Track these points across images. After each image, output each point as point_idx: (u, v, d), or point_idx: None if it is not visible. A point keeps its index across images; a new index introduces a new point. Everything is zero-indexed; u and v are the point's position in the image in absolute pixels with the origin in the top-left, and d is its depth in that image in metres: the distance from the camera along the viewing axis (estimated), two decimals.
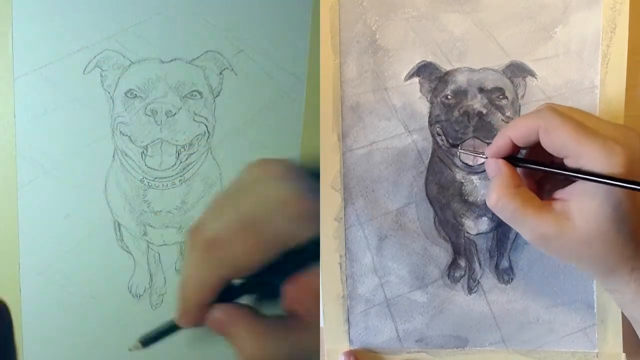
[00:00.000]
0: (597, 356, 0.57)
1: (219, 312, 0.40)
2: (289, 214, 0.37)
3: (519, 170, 0.48)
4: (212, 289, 0.39)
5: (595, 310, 0.57)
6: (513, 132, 0.47)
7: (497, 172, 0.48)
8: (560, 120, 0.44)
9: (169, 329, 0.45)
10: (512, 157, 0.48)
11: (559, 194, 0.47)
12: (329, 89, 0.56)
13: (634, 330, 0.50)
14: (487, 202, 0.48)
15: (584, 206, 0.44)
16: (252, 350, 0.39)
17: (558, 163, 0.46)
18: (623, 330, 0.56)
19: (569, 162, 0.44)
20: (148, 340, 0.48)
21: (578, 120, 0.44)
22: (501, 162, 0.48)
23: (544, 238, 0.46)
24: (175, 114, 0.58)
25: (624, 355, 0.56)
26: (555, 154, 0.45)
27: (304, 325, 0.40)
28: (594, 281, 0.56)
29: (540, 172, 0.48)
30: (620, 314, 0.56)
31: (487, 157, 0.49)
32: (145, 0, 0.57)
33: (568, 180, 0.46)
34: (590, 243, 0.44)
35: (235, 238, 0.37)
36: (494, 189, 0.47)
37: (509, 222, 0.47)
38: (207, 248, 0.37)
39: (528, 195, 0.47)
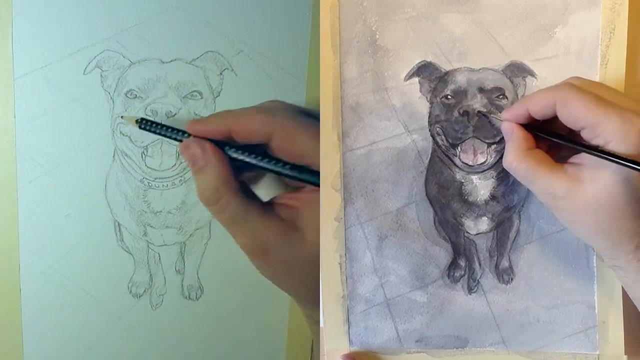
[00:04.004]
0: (598, 358, 0.57)
1: (197, 148, 0.45)
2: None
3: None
4: (249, 136, 0.46)
5: (596, 311, 0.56)
6: (531, 104, 0.48)
7: (511, 135, 0.50)
8: (577, 93, 0.45)
9: (172, 130, 0.48)
10: (528, 125, 0.50)
11: (574, 158, 0.48)
12: (329, 89, 0.56)
13: (636, 331, 0.50)
14: (503, 163, 0.50)
15: (596, 173, 0.45)
16: (209, 190, 0.45)
17: (574, 134, 0.47)
18: (625, 332, 0.56)
19: (585, 134, 0.45)
20: (146, 125, 0.50)
21: (596, 94, 0.45)
22: (515, 125, 0.50)
23: (554, 198, 0.47)
24: (175, 114, 0.58)
25: (625, 357, 0.56)
26: (572, 126, 0.46)
27: (290, 222, 0.44)
28: (595, 282, 0.56)
29: (554, 142, 0.50)
30: (622, 315, 0.56)
31: (501, 120, 0.51)
32: (145, 0, 0.57)
33: None
34: (597, 210, 0.45)
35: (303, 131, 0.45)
36: (509, 150, 0.49)
37: (523, 181, 0.49)
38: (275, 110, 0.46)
39: (541, 157, 0.48)
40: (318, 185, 0.45)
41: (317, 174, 0.45)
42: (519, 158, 0.48)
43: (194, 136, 0.47)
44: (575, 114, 0.45)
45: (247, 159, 0.46)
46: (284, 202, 0.46)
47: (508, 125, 0.50)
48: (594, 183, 0.45)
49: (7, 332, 0.58)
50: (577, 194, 0.46)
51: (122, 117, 0.55)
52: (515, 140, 0.49)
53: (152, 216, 0.60)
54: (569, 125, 0.46)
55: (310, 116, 0.47)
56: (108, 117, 0.58)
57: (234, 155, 0.46)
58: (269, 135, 0.45)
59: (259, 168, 0.46)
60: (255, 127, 0.46)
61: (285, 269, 0.45)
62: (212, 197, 0.44)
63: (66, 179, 0.58)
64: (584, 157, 0.47)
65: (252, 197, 0.46)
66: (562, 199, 0.47)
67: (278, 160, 0.46)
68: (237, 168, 0.47)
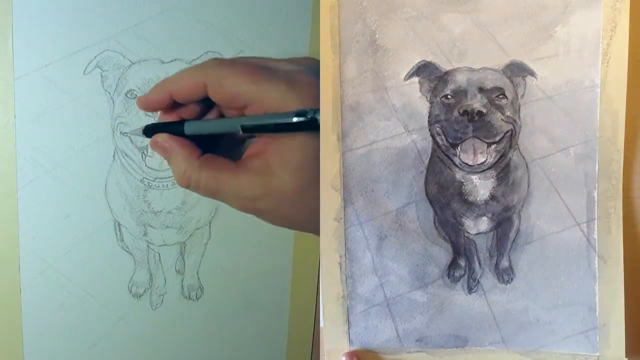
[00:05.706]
0: (598, 359, 0.56)
1: (161, 139, 0.43)
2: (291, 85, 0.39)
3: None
4: (188, 94, 0.42)
5: (597, 313, 0.56)
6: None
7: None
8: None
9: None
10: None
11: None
12: (329, 88, 0.56)
13: (637, 332, 0.50)
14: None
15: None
16: (180, 174, 0.42)
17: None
18: (626, 334, 0.55)
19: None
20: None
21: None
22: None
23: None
24: None
25: (626, 359, 0.56)
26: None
27: (263, 169, 0.40)
28: (597, 283, 0.56)
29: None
30: (624, 317, 0.55)
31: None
32: (145, 0, 0.57)
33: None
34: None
35: (239, 73, 0.40)
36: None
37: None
38: (209, 65, 0.41)
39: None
40: (271, 129, 0.40)
41: (261, 118, 0.41)
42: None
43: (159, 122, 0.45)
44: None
45: (202, 130, 0.44)
46: (250, 154, 0.42)
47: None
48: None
49: (7, 332, 0.58)
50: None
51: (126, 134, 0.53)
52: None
53: (152, 216, 0.60)
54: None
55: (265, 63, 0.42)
56: (108, 117, 0.58)
57: (191, 132, 0.44)
58: (203, 87, 0.41)
59: (220, 134, 0.44)
60: (188, 82, 0.42)
61: (282, 212, 0.41)
62: (182, 180, 0.42)
63: (66, 179, 0.58)
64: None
65: (223, 164, 0.42)
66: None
67: (231, 118, 0.43)
68: (205, 143, 0.44)
